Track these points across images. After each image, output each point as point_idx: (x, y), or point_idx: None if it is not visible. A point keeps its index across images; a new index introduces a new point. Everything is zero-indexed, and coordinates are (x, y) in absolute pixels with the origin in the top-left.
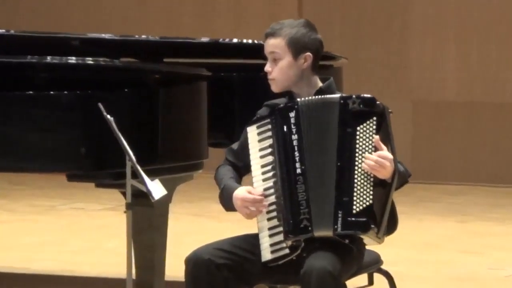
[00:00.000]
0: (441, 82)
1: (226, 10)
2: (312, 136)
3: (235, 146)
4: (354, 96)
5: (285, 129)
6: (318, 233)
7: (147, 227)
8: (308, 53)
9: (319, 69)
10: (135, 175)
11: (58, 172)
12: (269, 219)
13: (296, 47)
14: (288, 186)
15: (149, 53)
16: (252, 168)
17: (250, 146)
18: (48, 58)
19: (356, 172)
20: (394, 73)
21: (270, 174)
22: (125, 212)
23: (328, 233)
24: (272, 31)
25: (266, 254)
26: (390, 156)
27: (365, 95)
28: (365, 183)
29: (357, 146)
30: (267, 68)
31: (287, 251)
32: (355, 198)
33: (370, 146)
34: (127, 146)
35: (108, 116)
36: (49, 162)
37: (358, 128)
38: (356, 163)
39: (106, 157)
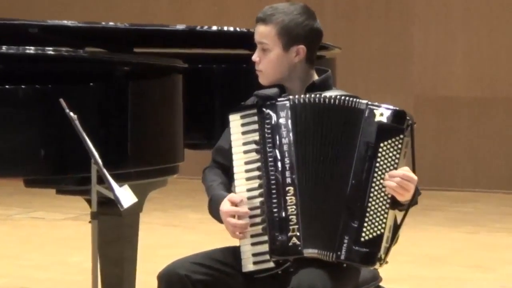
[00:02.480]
0: (447, 75)
1: None
2: (310, 143)
3: (223, 144)
4: (383, 106)
5: (274, 129)
6: (309, 253)
7: (115, 239)
8: (301, 46)
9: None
10: (102, 180)
11: (15, 177)
12: (252, 225)
13: (288, 39)
14: (276, 196)
15: (117, 42)
16: (234, 163)
17: (233, 137)
18: (3, 48)
19: (371, 194)
20: (394, 65)
21: (255, 174)
22: (90, 222)
23: (327, 257)
24: (263, 17)
25: (248, 265)
26: (415, 177)
27: (396, 108)
28: (380, 209)
29: (378, 165)
30: (255, 57)
31: (271, 264)
32: (366, 224)
33: (392, 168)
34: (92, 148)
35: (71, 113)
36: (4, 165)
37: (382, 144)
38: (373, 184)
39: (69, 160)
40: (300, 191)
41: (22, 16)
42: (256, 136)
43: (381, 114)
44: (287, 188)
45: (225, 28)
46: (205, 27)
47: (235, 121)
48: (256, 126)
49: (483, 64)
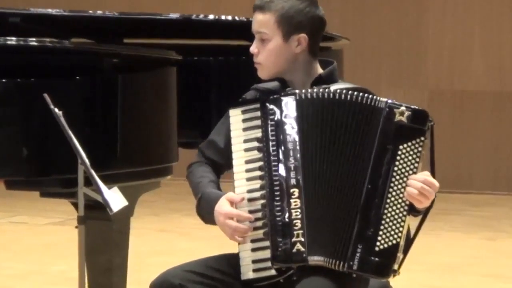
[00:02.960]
0: (464, 69)
1: None
2: (318, 141)
3: (216, 138)
4: (404, 106)
5: (278, 126)
6: (315, 260)
7: (104, 246)
8: (303, 35)
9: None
10: (89, 182)
11: None
12: (252, 229)
13: (288, 27)
14: (279, 198)
15: (106, 32)
16: (234, 162)
17: (233, 134)
18: None
19: (388, 200)
20: (407, 57)
21: (257, 174)
22: (76, 227)
23: (335, 266)
24: (260, 4)
25: (248, 272)
26: (437, 183)
27: (418, 108)
28: (397, 216)
29: (396, 169)
30: (253, 49)
31: (273, 272)
32: (381, 232)
33: (411, 172)
34: (79, 147)
35: (56, 110)
36: None
37: (401, 147)
38: (391, 189)
39: (53, 160)
40: (305, 194)
41: (3, 4)
42: (258, 133)
43: (401, 114)
44: (291, 190)
45: (223, 17)
46: (201, 16)
47: (235, 116)
48: (258, 122)
49: (502, 56)
